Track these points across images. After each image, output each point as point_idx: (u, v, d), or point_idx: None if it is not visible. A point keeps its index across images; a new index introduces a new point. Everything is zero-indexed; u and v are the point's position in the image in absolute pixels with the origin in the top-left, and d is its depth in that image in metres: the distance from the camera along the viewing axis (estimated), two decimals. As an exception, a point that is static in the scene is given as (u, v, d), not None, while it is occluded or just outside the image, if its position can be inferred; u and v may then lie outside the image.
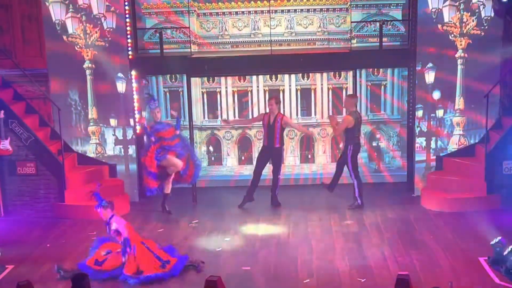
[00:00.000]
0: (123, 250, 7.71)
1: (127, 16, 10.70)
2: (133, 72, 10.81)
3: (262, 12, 11.26)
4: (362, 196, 10.18)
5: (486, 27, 10.33)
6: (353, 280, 7.45)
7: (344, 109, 10.71)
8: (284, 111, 11.61)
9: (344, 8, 11.20)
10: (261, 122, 10.45)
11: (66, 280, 7.40)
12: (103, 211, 7.83)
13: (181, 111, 11.51)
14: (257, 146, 11.56)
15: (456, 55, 10.49)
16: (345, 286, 7.32)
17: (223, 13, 11.30)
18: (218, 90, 11.74)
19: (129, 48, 10.75)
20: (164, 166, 9.88)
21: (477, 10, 10.27)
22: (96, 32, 10.62)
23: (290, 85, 11.68)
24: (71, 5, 10.55)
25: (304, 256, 8.22)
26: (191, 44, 11.12)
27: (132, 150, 11.00)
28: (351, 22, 11.09)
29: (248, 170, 11.39)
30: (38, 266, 8.10)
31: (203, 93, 11.72)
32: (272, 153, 10.29)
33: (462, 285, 7.16)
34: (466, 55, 10.45)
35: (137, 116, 10.91)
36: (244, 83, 11.74)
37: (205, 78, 11.61)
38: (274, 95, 11.02)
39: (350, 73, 11.10)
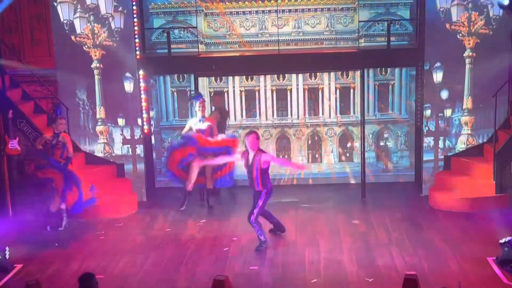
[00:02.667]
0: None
1: (134, 16, 10.74)
2: (141, 72, 10.86)
3: (269, 11, 11.27)
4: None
5: (495, 26, 10.29)
6: (360, 280, 7.43)
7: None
8: (291, 111, 11.62)
9: (352, 7, 11.20)
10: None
11: None
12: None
13: (188, 111, 11.55)
14: (264, 146, 11.52)
15: (464, 55, 10.45)
16: (353, 286, 7.30)
17: (231, 13, 11.31)
18: (225, 89, 11.74)
19: (137, 48, 10.78)
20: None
21: (485, 10, 10.24)
22: (104, 32, 10.65)
23: (297, 85, 11.67)
24: (79, 5, 10.59)
25: (311, 255, 8.21)
26: (199, 44, 11.14)
27: (140, 149, 11.02)
28: (359, 21, 11.08)
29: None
30: (46, 266, 8.12)
31: (210, 93, 11.72)
32: (254, 194, 8.61)
33: (470, 285, 7.14)
34: (474, 54, 10.41)
35: (144, 116, 10.95)
36: (251, 82, 11.74)
37: (213, 78, 11.62)
38: (254, 130, 9.42)
39: (358, 73, 11.10)
